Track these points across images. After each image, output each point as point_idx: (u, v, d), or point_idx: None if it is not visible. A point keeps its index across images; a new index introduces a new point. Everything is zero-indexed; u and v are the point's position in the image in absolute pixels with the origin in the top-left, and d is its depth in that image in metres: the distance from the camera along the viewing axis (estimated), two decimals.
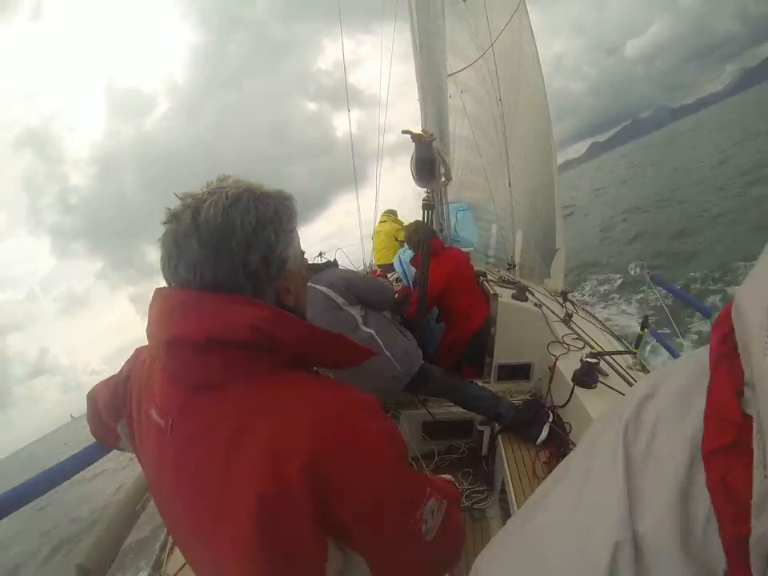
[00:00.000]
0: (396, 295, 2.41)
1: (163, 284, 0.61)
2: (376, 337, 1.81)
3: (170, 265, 0.57)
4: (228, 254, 0.55)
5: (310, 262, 1.97)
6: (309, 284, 1.77)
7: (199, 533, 0.58)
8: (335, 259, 2.15)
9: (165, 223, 0.57)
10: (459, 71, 4.10)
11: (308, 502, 0.50)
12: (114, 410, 0.71)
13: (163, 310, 0.58)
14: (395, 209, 5.00)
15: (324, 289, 1.80)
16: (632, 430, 0.34)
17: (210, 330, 0.53)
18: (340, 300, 1.80)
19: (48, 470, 1.08)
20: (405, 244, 3.09)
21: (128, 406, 0.68)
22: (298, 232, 0.66)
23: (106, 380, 0.76)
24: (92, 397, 0.76)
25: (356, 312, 1.84)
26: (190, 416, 0.56)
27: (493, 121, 3.87)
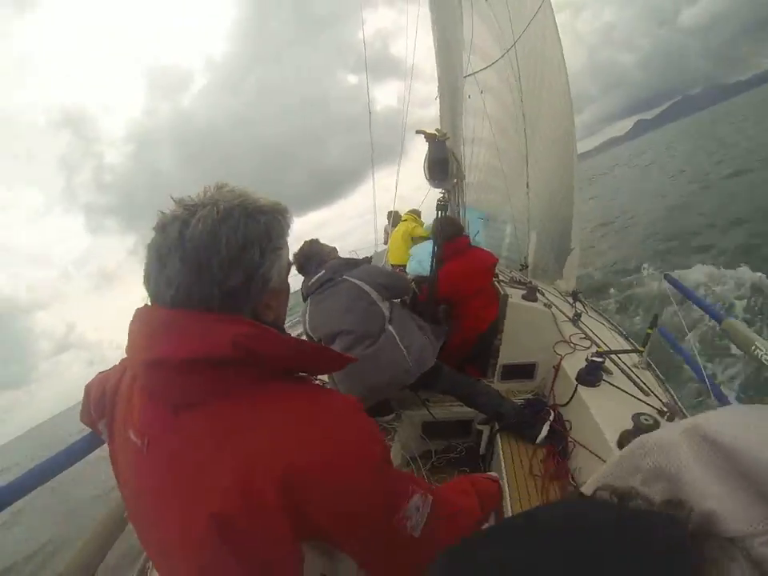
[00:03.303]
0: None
1: None
2: (394, 333, 1.88)
3: (151, 280, 0.57)
4: (208, 274, 0.54)
5: (346, 257, 2.10)
6: (345, 277, 1.93)
7: (169, 553, 0.58)
8: (371, 256, 2.24)
9: (154, 229, 0.57)
10: (479, 71, 4.10)
11: (282, 517, 0.50)
12: (99, 408, 0.70)
13: (144, 330, 0.57)
14: (419, 209, 4.94)
15: (360, 283, 1.90)
16: None
17: (192, 350, 0.53)
18: (374, 295, 1.90)
19: (42, 463, 1.08)
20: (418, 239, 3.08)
21: (111, 413, 0.68)
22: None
23: (101, 375, 0.75)
24: (87, 388, 0.76)
25: (386, 308, 1.92)
26: (169, 435, 0.56)
27: (514, 122, 3.84)
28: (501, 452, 1.91)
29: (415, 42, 4.31)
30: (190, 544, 0.52)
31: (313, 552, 0.59)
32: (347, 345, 1.87)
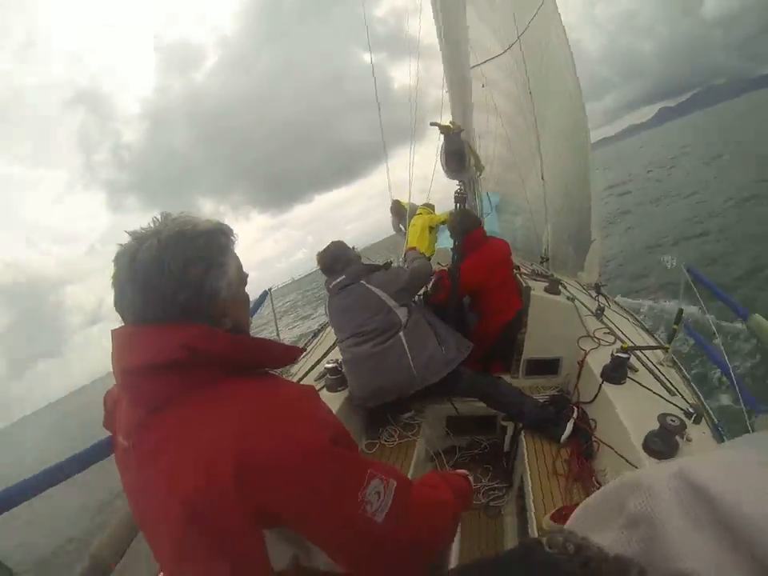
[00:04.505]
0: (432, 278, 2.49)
1: None
2: (404, 340, 1.93)
3: (116, 305, 0.66)
4: (158, 294, 0.62)
5: (366, 263, 2.18)
6: (362, 283, 2.02)
7: (155, 534, 0.66)
8: (390, 261, 2.31)
9: (113, 262, 0.65)
10: (483, 63, 4.06)
11: (240, 500, 0.56)
12: (110, 419, 0.78)
13: (116, 346, 0.65)
14: (434, 203, 4.63)
15: (378, 291, 1.98)
16: None
17: (150, 357, 0.61)
18: (392, 303, 1.97)
19: (48, 469, 1.14)
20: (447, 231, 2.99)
21: (113, 424, 0.74)
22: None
23: (113, 388, 0.79)
24: (105, 398, 0.82)
25: (402, 314, 1.98)
26: (147, 434, 0.63)
27: (522, 114, 3.80)
28: (525, 450, 1.89)
29: (419, 23, 4.15)
30: (168, 524, 0.58)
31: (282, 537, 0.65)
32: (358, 342, 1.96)
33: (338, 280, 2.03)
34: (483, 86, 4.15)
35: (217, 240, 0.67)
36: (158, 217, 0.67)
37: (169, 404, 0.62)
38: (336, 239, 2.19)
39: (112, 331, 0.66)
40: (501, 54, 4.04)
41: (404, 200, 4.55)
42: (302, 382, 2.18)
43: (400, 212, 4.53)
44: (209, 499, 0.55)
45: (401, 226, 4.74)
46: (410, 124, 3.86)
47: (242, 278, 0.74)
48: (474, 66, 4.14)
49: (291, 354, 0.75)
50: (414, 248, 2.61)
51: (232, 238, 0.70)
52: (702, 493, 0.31)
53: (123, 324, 0.66)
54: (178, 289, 0.62)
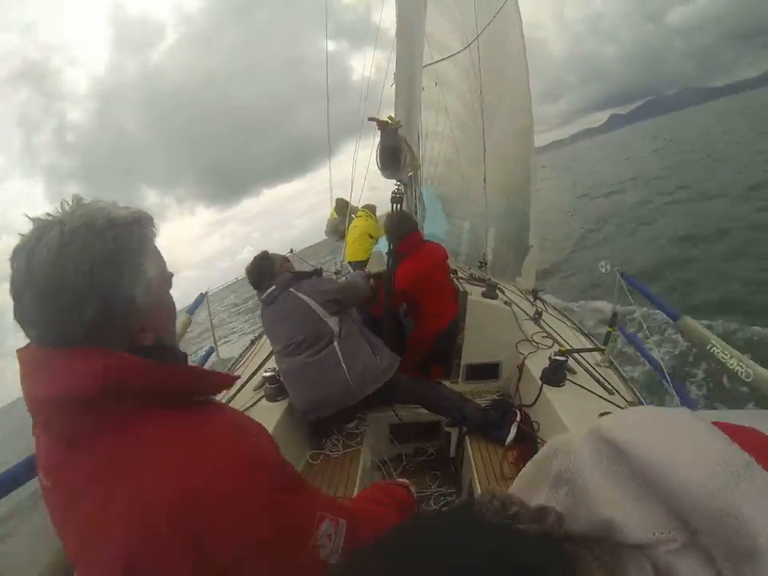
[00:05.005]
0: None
1: None
2: (338, 350, 1.89)
3: (16, 318, 0.54)
4: (63, 306, 0.51)
5: (295, 270, 2.11)
6: (291, 290, 1.95)
7: None
8: (320, 268, 2.27)
9: (9, 260, 0.53)
10: (438, 61, 4.02)
11: (181, 557, 0.49)
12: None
13: (23, 371, 0.56)
14: (375, 204, 4.65)
15: (308, 299, 1.93)
16: None
17: (62, 390, 0.51)
18: (321, 311, 1.92)
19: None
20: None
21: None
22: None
23: None
24: None
25: (334, 324, 1.93)
26: (66, 474, 0.55)
27: (472, 115, 3.79)
28: (471, 455, 1.88)
29: (381, 10, 4.02)
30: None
31: None
32: (291, 353, 1.93)
33: (269, 291, 2.01)
34: (436, 85, 4.12)
35: (132, 233, 0.56)
36: (68, 200, 0.55)
37: (89, 437, 0.53)
38: (263, 250, 2.16)
39: (17, 351, 0.57)
40: (458, 52, 4.00)
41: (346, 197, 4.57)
42: (240, 392, 2.13)
43: (344, 211, 4.57)
44: (147, 551, 0.49)
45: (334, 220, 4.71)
46: (361, 117, 3.83)
47: (165, 279, 0.63)
48: (429, 64, 4.08)
49: (223, 382, 0.67)
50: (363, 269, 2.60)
51: (153, 229, 0.59)
52: (613, 446, 0.34)
53: (27, 345, 0.56)
54: (84, 301, 0.51)
